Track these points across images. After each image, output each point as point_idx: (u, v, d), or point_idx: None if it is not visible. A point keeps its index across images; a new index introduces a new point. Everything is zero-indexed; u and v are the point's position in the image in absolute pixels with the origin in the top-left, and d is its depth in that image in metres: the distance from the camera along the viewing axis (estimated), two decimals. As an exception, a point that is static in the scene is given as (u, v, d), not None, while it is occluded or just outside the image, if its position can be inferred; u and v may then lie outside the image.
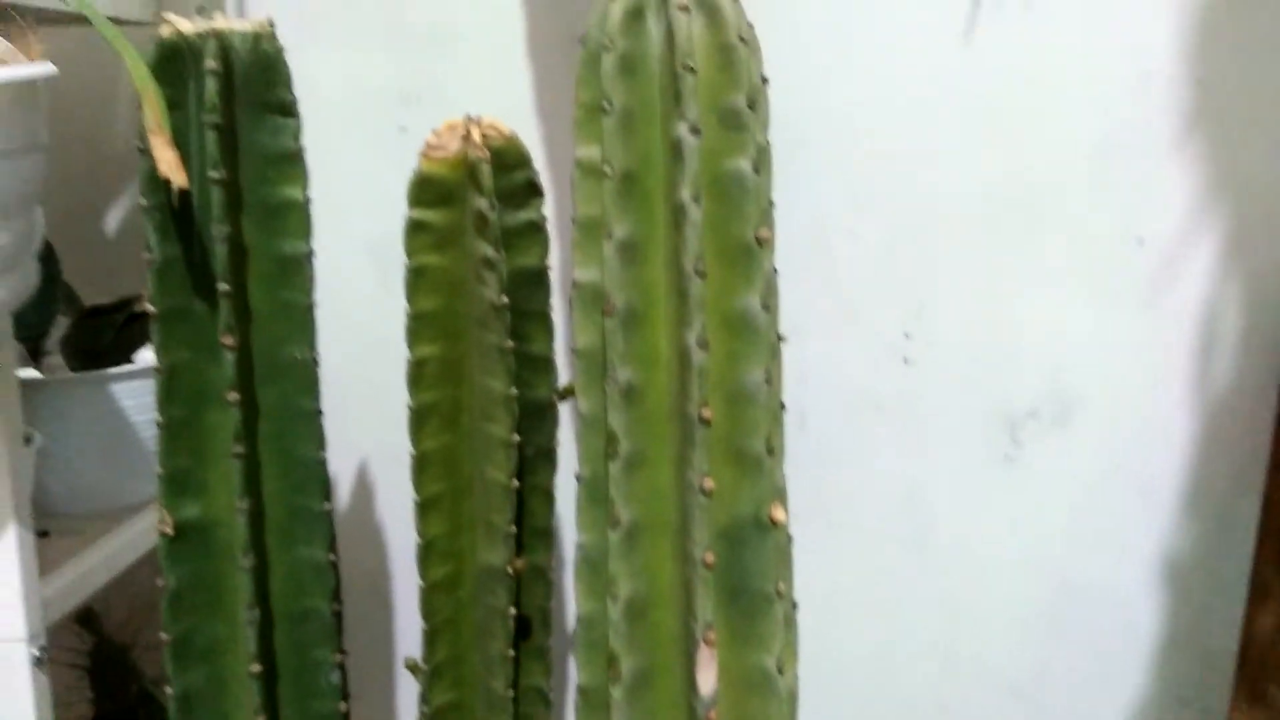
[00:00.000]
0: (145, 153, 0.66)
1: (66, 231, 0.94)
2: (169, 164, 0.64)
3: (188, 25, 0.68)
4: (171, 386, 0.70)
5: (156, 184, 0.66)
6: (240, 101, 0.69)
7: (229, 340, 0.69)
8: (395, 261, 0.99)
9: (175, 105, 0.67)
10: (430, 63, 0.94)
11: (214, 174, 0.67)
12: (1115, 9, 0.82)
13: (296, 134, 0.71)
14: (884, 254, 0.87)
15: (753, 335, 0.57)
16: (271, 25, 0.70)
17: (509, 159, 0.69)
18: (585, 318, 0.61)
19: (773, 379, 0.59)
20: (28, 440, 0.76)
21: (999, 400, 0.88)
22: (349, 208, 0.99)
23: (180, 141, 0.68)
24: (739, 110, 0.56)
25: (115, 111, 1.02)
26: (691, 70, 0.55)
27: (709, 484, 0.56)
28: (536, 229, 0.71)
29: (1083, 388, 0.86)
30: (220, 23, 0.68)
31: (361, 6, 0.94)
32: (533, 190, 0.71)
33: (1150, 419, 0.86)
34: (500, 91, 0.93)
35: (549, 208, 0.93)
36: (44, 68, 0.60)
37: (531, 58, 0.92)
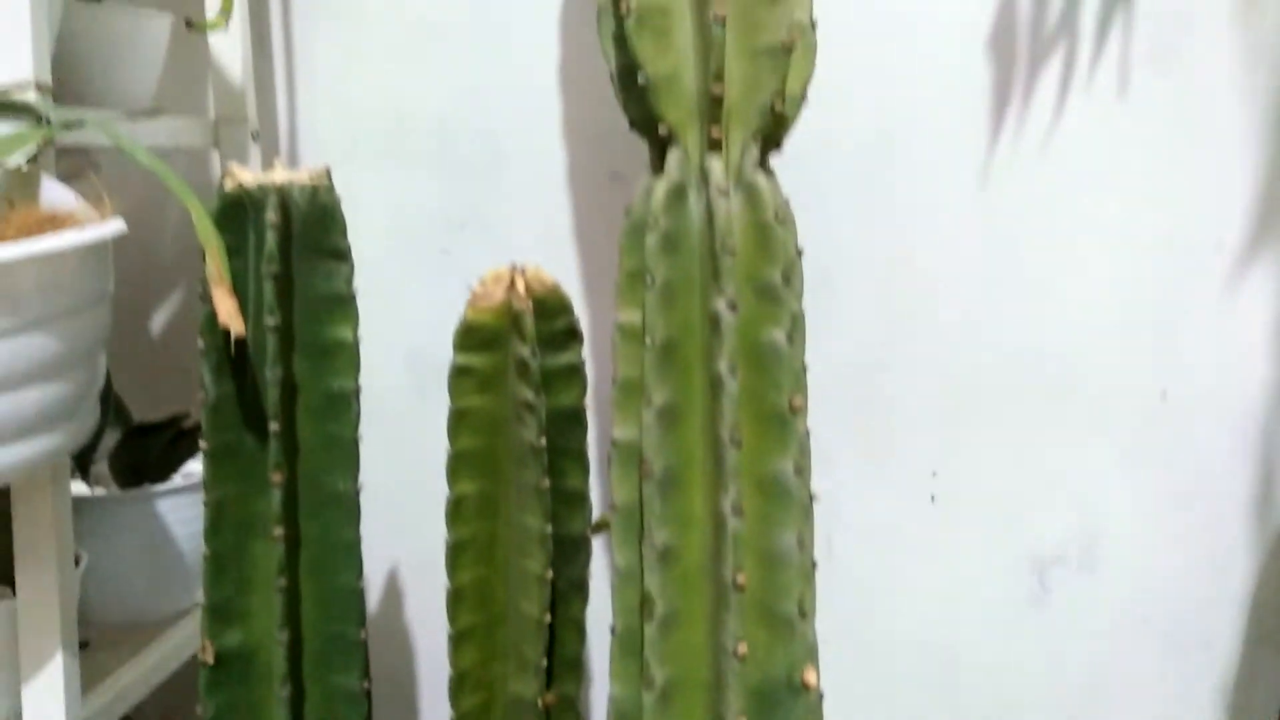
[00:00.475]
0: (205, 298, 0.69)
1: (114, 340, 0.97)
2: (229, 313, 0.67)
3: (249, 177, 0.71)
4: (219, 519, 0.72)
5: (213, 327, 0.69)
6: (297, 248, 0.72)
7: (278, 477, 0.71)
8: (432, 371, 1.02)
9: (235, 252, 0.71)
10: (475, 190, 0.98)
11: (270, 320, 0.70)
12: (1134, 169, 0.84)
13: (349, 278, 0.74)
14: (912, 393, 0.89)
15: (786, 499, 0.59)
16: (329, 176, 0.73)
17: (550, 306, 0.72)
18: (624, 474, 0.63)
19: (805, 542, 0.60)
20: (76, 562, 0.79)
21: (1026, 543, 0.89)
22: (389, 321, 1.02)
23: (238, 285, 0.71)
24: (774, 285, 0.59)
25: (165, 219, 1.06)
26: (730, 252, 0.58)
27: (742, 649, 0.58)
28: (575, 371, 0.74)
29: (1108, 534, 0.87)
30: (279, 175, 0.71)
31: (414, 134, 0.98)
32: (572, 335, 0.74)
33: (1175, 569, 0.87)
34: (540, 219, 0.96)
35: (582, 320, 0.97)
36: (115, 226, 0.63)
37: (571, 190, 0.96)
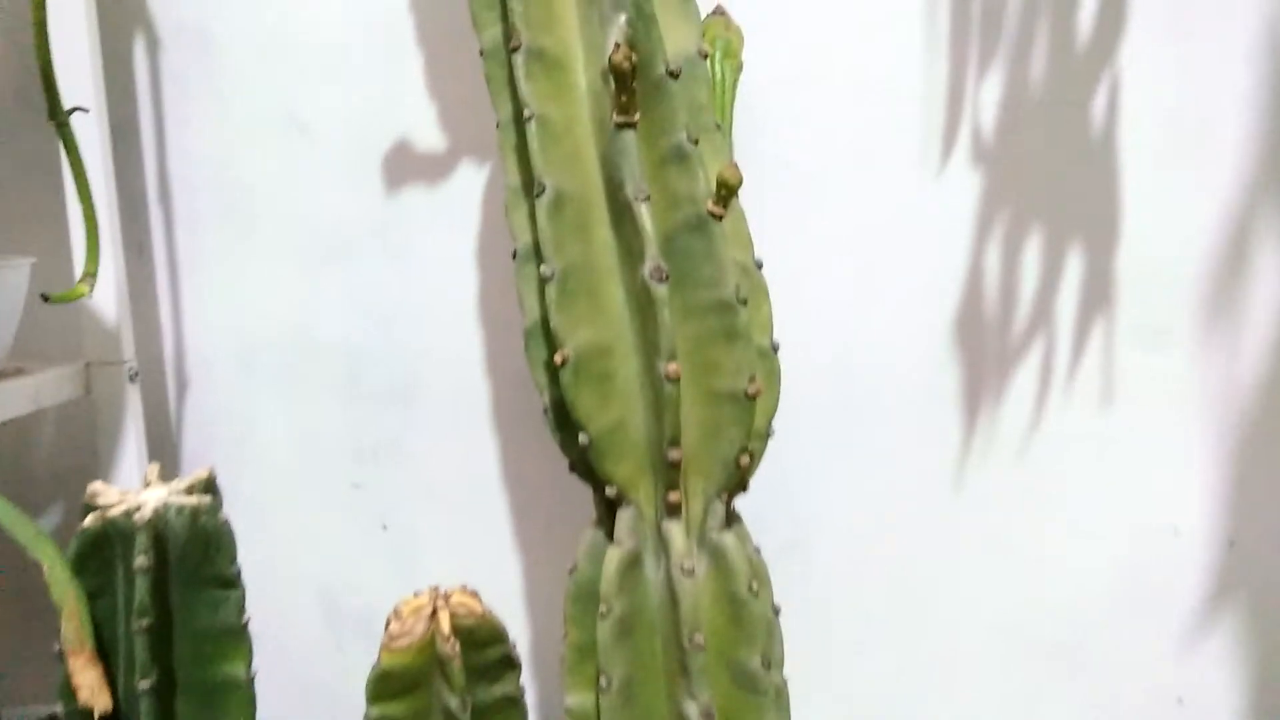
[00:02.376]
0: (63, 661, 0.57)
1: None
2: (90, 689, 0.56)
3: (116, 498, 0.60)
4: None
5: (73, 695, 0.58)
6: (176, 580, 0.61)
7: None
8: (345, 617, 0.91)
9: (101, 592, 0.60)
10: (388, 421, 0.88)
11: (143, 684, 0.58)
12: (1137, 463, 0.77)
13: (239, 606, 0.63)
14: (894, 674, 0.79)
15: None
16: (212, 486, 0.62)
17: (481, 637, 0.61)
18: None
19: None
20: None
21: None
22: (297, 562, 0.91)
23: (105, 630, 0.60)
24: (754, 673, 0.49)
25: (37, 451, 0.93)
26: (700, 648, 0.48)
27: None
28: (513, 704, 0.63)
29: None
30: (153, 494, 0.60)
31: (318, 359, 0.88)
32: (509, 665, 0.63)
33: None
34: (460, 454, 0.86)
35: (514, 574, 0.87)
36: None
37: (496, 426, 0.86)
